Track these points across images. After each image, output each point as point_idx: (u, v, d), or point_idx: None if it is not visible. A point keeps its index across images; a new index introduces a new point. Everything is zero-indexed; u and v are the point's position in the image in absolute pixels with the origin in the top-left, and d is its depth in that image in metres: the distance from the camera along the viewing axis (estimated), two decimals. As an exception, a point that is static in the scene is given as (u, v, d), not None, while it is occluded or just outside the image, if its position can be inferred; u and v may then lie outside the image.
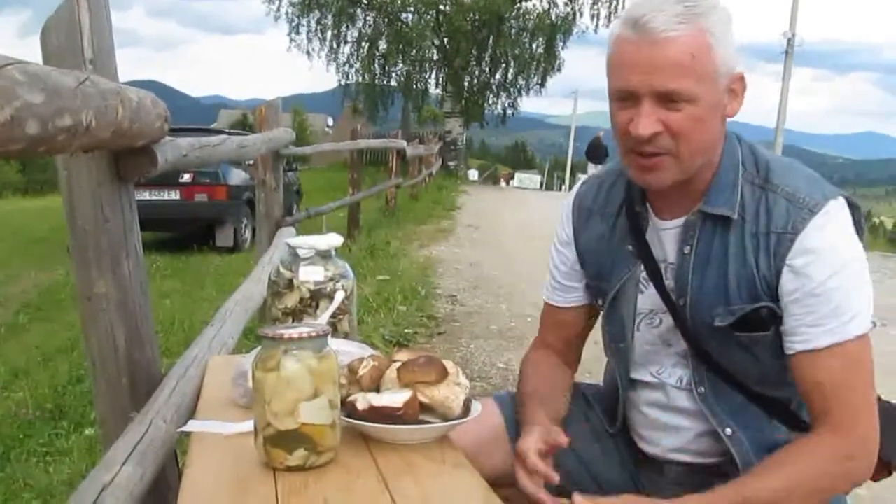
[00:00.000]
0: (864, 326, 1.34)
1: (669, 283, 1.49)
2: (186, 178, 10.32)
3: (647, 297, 1.53)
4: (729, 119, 1.40)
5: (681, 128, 1.30)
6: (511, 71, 28.98)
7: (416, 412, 1.26)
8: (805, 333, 1.35)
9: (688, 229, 1.45)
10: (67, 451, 3.82)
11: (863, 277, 1.37)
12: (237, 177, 10.91)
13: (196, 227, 10.92)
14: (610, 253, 1.57)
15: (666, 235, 1.48)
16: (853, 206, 1.40)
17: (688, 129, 1.30)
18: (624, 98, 1.34)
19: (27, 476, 3.58)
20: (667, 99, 1.29)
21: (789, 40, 24.65)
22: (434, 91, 29.78)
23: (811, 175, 1.43)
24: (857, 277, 1.36)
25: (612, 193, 1.59)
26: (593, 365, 2.01)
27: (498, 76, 29.22)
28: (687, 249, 1.45)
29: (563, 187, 50.14)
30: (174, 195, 10.42)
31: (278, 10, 27.18)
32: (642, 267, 1.52)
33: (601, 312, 1.64)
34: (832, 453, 1.34)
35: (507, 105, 30.07)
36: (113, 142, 1.41)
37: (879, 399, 1.54)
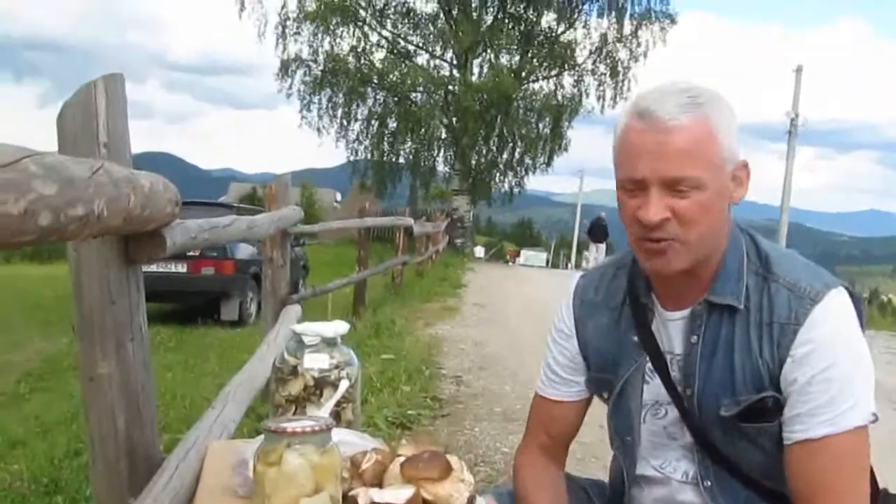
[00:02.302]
0: (861, 418, 1.33)
1: (675, 374, 1.48)
2: (194, 251, 10.38)
3: (652, 388, 1.52)
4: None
5: (688, 214, 1.32)
6: (518, 150, 29.35)
7: (419, 509, 1.24)
8: (801, 423, 1.34)
9: (695, 319, 1.45)
10: (61, 530, 3.75)
11: (863, 368, 1.36)
12: (244, 251, 10.96)
13: (202, 300, 10.92)
14: (615, 345, 1.57)
15: (672, 326, 1.48)
16: (854, 297, 1.41)
17: (695, 215, 1.32)
18: (632, 186, 1.35)
19: (19, 555, 3.51)
20: (674, 186, 1.31)
21: (792, 120, 25.02)
22: (442, 169, 30.09)
23: (811, 265, 1.44)
24: (857, 368, 1.35)
25: (613, 285, 1.60)
26: (599, 448, 1.98)
27: (505, 155, 29.57)
28: (694, 339, 1.45)
29: (570, 265, 50.21)
30: (181, 268, 10.48)
31: (290, 87, 27.67)
32: (648, 358, 1.51)
33: (606, 405, 1.63)
34: None
35: (513, 183, 30.37)
36: (123, 227, 1.41)
37: (885, 492, 1.51)
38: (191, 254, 10.38)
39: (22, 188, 0.88)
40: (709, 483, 1.49)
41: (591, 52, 28.41)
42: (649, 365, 1.52)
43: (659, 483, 1.56)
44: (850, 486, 1.33)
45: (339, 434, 1.34)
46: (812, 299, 1.36)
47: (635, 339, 1.53)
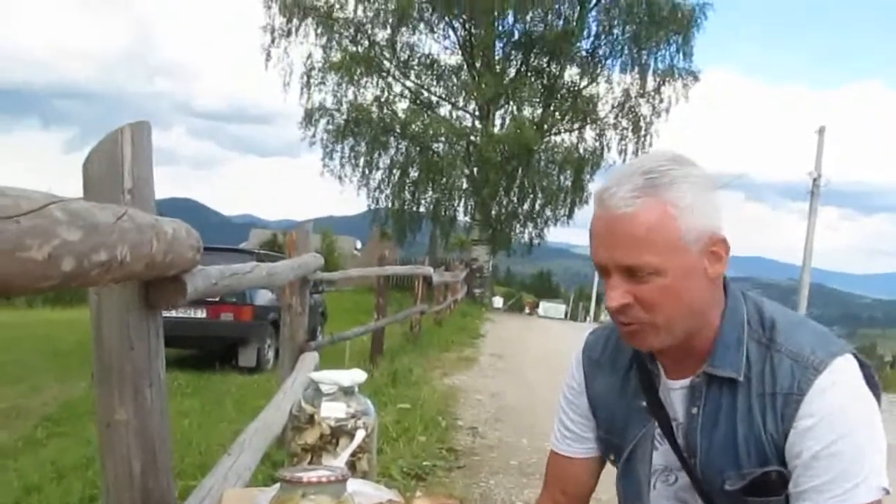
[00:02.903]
0: (872, 494, 1.28)
1: (681, 441, 1.46)
2: (213, 296, 10.38)
3: (662, 454, 1.49)
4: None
5: (650, 299, 1.30)
6: (539, 201, 29.52)
7: (432, 564, 1.22)
8: (808, 499, 1.30)
9: (694, 390, 1.42)
10: (73, 577, 3.72)
11: (872, 440, 1.31)
12: (263, 297, 10.98)
13: (220, 345, 10.93)
14: (623, 407, 1.55)
15: (675, 395, 1.46)
16: (863, 363, 1.36)
17: (657, 299, 1.30)
18: (599, 269, 1.35)
19: None
20: (632, 272, 1.29)
21: (815, 180, 24.92)
22: (462, 218, 30.28)
23: (819, 331, 1.39)
24: (866, 440, 1.30)
25: (620, 346, 1.57)
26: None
27: (526, 206, 29.77)
28: (694, 410, 1.42)
29: (588, 318, 50.05)
30: (200, 314, 10.49)
31: (314, 136, 28.01)
32: (656, 424, 1.49)
33: (616, 469, 1.60)
34: None
35: (533, 234, 30.51)
36: (145, 273, 1.42)
37: None
38: (210, 299, 10.42)
39: (47, 234, 0.89)
40: None
41: (613, 107, 28.73)
42: (658, 430, 1.49)
43: None
44: None
45: (354, 484, 1.33)
46: (815, 368, 1.31)
47: (643, 403, 1.51)
